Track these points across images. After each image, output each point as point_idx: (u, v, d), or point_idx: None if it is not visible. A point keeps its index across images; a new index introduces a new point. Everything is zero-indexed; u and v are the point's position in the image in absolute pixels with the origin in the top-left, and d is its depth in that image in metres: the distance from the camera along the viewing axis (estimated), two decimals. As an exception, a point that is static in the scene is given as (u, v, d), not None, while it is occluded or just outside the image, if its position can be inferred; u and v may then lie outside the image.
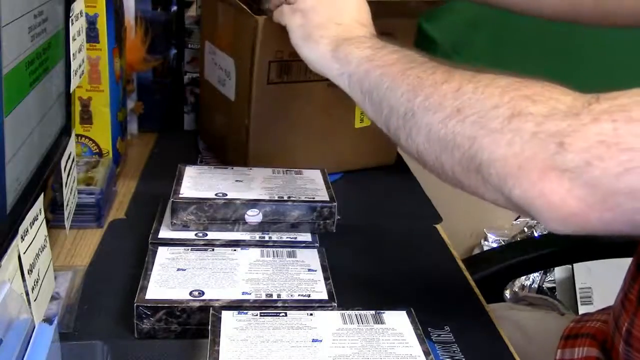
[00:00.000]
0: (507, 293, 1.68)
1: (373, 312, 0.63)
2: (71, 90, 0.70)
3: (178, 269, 0.70)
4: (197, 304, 0.64)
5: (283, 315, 0.62)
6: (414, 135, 0.58)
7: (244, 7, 0.89)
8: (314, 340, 0.58)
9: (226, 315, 0.61)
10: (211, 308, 0.63)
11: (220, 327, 0.59)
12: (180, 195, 0.79)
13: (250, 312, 0.62)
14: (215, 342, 0.58)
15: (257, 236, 0.79)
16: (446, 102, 0.55)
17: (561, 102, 0.50)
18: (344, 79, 0.68)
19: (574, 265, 1.63)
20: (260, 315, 0.62)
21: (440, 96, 0.56)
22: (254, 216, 0.79)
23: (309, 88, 0.95)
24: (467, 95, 0.54)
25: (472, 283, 0.79)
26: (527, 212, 0.50)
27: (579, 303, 1.61)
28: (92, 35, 0.88)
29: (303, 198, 0.81)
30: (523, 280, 1.70)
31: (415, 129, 0.57)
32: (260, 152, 0.96)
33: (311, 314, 0.62)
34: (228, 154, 1.03)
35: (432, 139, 0.55)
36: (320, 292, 0.68)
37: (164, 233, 0.78)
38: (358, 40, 0.68)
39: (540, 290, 1.71)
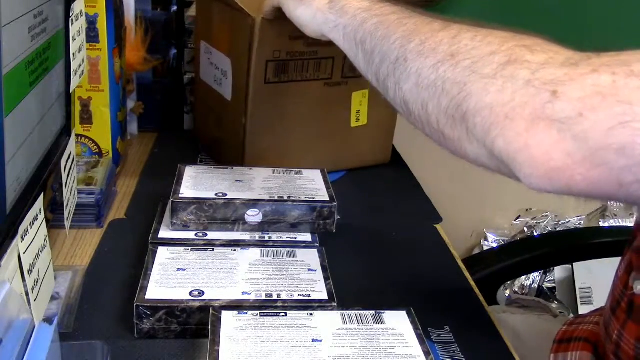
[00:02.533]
0: (507, 293, 1.68)
1: (373, 312, 0.63)
2: (71, 90, 0.70)
3: (178, 269, 0.70)
4: (197, 304, 0.64)
5: (283, 315, 0.62)
6: (402, 82, 0.56)
7: (242, 6, 0.89)
8: (314, 340, 0.58)
9: (226, 315, 0.61)
10: (211, 308, 0.63)
11: (220, 327, 0.59)
12: (180, 195, 0.79)
13: (250, 312, 0.62)
14: (215, 342, 0.58)
15: (257, 236, 0.79)
16: (441, 47, 0.53)
17: (560, 53, 0.48)
18: (339, 31, 0.67)
19: (574, 265, 1.63)
20: (260, 315, 0.62)
21: (436, 42, 0.54)
22: (254, 216, 0.79)
23: (305, 87, 0.95)
24: (464, 42, 0.52)
25: (472, 283, 0.79)
26: (508, 167, 0.48)
27: (579, 303, 1.61)
28: (92, 35, 0.89)
29: (303, 198, 0.81)
30: (523, 280, 1.70)
31: (405, 75, 0.56)
32: (256, 152, 0.96)
33: (311, 314, 0.62)
34: (224, 153, 1.03)
35: (421, 85, 0.54)
36: (320, 292, 0.68)
37: (164, 233, 0.78)
38: None
39: (540, 290, 1.71)
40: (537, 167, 0.45)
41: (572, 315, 1.28)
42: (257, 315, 0.62)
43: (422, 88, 0.54)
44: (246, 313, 0.62)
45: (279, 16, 0.81)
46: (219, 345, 0.57)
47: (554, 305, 1.62)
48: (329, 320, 0.61)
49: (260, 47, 0.89)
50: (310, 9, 0.71)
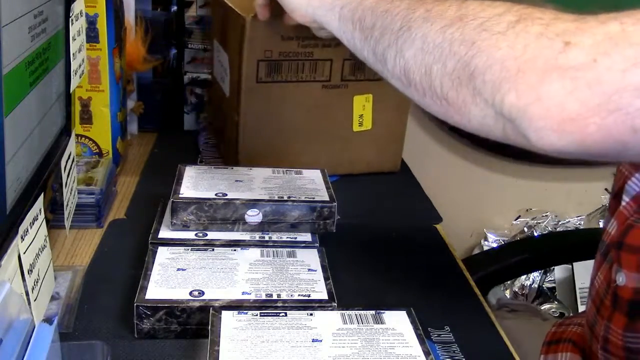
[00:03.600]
0: (507, 293, 1.68)
1: (373, 312, 0.63)
2: (71, 90, 0.70)
3: (178, 269, 0.70)
4: (197, 304, 0.64)
5: (283, 315, 0.62)
6: (405, 49, 0.55)
7: (232, 6, 0.90)
8: (314, 340, 0.58)
9: (226, 315, 0.61)
10: (211, 308, 0.63)
11: (220, 327, 0.59)
12: (180, 195, 0.79)
13: (250, 312, 0.62)
14: (215, 342, 0.58)
15: (257, 236, 0.79)
16: (448, 12, 0.53)
17: (568, 13, 0.48)
18: (334, 13, 0.66)
19: (574, 265, 1.62)
20: (260, 315, 0.62)
21: (443, 9, 0.53)
22: (254, 216, 0.79)
23: (302, 89, 0.95)
24: (472, 6, 0.52)
25: (472, 283, 0.79)
26: (517, 124, 0.47)
27: (578, 303, 1.61)
28: (92, 35, 0.89)
29: (303, 198, 0.81)
30: (523, 280, 1.70)
31: (408, 42, 0.55)
32: (251, 151, 0.96)
33: (311, 314, 0.62)
34: (224, 149, 1.04)
35: (426, 49, 0.53)
36: (320, 292, 0.68)
37: (164, 233, 0.78)
38: None
39: (540, 290, 1.71)
40: (550, 118, 0.45)
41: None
42: (257, 315, 0.62)
43: (427, 52, 0.53)
44: (246, 313, 0.62)
45: (273, 12, 0.81)
46: (219, 345, 0.57)
47: (549, 307, 1.63)
48: (329, 320, 0.61)
49: (250, 46, 0.90)
50: None
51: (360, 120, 1.01)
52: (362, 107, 1.00)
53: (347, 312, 0.63)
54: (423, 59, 0.53)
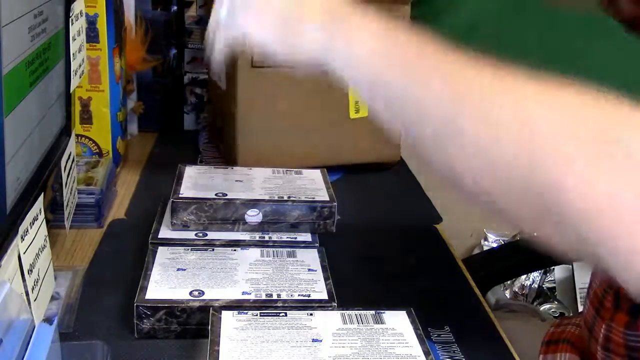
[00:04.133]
0: (507, 293, 1.69)
1: (373, 312, 0.63)
2: (71, 90, 0.70)
3: (178, 269, 0.70)
4: (197, 304, 0.64)
5: (283, 315, 0.62)
6: (457, 152, 0.45)
7: None
8: (314, 340, 0.58)
9: (226, 315, 0.61)
10: (211, 308, 0.63)
11: (220, 327, 0.59)
12: (180, 195, 0.79)
13: (250, 312, 0.62)
14: (215, 342, 0.57)
15: (257, 236, 0.79)
16: (505, 111, 0.42)
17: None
18: (345, 71, 0.53)
19: (574, 265, 1.63)
20: (260, 315, 0.62)
21: (498, 103, 0.43)
22: (254, 216, 0.79)
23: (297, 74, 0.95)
24: (537, 111, 0.41)
25: (472, 283, 0.79)
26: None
27: (578, 303, 1.61)
28: (92, 35, 0.89)
29: (303, 198, 0.81)
30: (523, 280, 1.70)
31: (458, 144, 0.45)
32: (248, 142, 0.95)
33: (311, 314, 0.62)
34: (223, 148, 1.04)
35: (490, 160, 0.42)
36: (320, 292, 0.68)
37: (164, 233, 0.78)
38: (354, 19, 0.52)
39: (540, 290, 1.71)
40: None
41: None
42: (257, 315, 0.62)
43: (489, 164, 0.43)
44: (246, 313, 0.62)
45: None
46: (219, 345, 0.57)
47: (548, 307, 1.63)
48: (329, 320, 0.61)
49: None
50: (296, 44, 0.55)
51: (357, 107, 1.00)
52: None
53: (347, 312, 0.63)
54: (488, 171, 0.43)
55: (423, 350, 0.58)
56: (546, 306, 1.65)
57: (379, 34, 0.51)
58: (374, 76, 0.51)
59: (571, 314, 1.55)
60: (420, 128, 0.48)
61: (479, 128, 0.43)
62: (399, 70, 0.49)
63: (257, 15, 0.58)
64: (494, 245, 1.74)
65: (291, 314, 0.62)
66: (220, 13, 0.62)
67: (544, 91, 0.42)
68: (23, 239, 0.50)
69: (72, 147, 0.72)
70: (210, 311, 0.62)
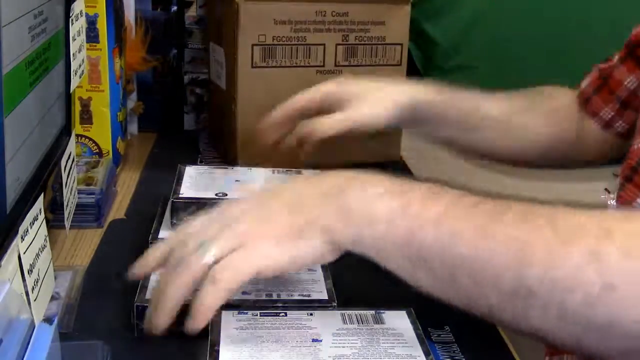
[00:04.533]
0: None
1: (373, 312, 0.63)
2: (71, 90, 0.70)
3: (178, 269, 0.70)
4: (197, 304, 0.64)
5: (283, 315, 0.62)
6: (531, 315, 0.44)
7: None
8: (314, 340, 0.58)
9: (226, 315, 0.61)
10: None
11: (220, 327, 0.59)
12: (180, 195, 0.79)
13: (250, 312, 0.62)
14: (215, 342, 0.57)
15: (257, 236, 0.79)
16: (584, 275, 0.41)
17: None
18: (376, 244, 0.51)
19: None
20: (260, 315, 0.62)
21: (571, 267, 0.41)
22: (254, 216, 0.79)
23: (297, 74, 0.96)
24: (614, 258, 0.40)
25: (472, 283, 0.79)
26: None
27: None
28: (92, 35, 0.89)
29: None
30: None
31: (536, 310, 0.44)
32: (249, 142, 0.95)
33: (311, 314, 0.62)
34: (223, 148, 1.04)
35: (569, 321, 0.42)
36: (320, 292, 0.68)
37: (164, 233, 0.78)
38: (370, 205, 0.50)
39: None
40: None
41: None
42: (257, 315, 0.62)
43: (573, 324, 0.43)
44: (246, 313, 0.62)
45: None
46: (219, 345, 0.57)
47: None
48: (329, 320, 0.61)
49: (244, 30, 0.91)
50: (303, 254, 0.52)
51: None
52: None
53: (347, 312, 0.63)
54: (565, 328, 0.44)
55: (423, 351, 0.58)
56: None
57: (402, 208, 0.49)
58: (416, 249, 0.49)
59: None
60: (488, 298, 0.47)
61: (566, 299, 0.42)
62: (447, 228, 0.47)
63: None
64: (494, 245, 1.73)
65: (291, 314, 0.62)
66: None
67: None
68: (23, 239, 0.50)
69: (72, 147, 0.72)
70: (210, 311, 0.62)
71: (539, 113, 0.89)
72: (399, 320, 0.62)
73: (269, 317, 0.61)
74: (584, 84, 0.88)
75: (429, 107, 0.83)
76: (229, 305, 0.64)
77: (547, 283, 0.42)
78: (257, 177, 0.86)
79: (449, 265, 0.47)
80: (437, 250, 0.47)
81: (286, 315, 0.62)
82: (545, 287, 0.42)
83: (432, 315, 0.69)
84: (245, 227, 0.52)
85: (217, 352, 0.56)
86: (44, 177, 0.60)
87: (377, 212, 0.50)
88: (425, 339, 0.60)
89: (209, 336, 0.58)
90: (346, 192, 0.51)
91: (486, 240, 0.45)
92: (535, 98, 0.90)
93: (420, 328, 0.61)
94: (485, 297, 0.47)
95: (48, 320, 0.51)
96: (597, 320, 0.41)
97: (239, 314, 0.61)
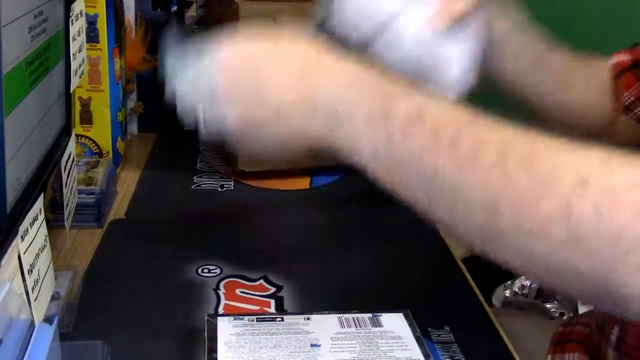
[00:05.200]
0: (507, 293, 1.68)
1: (370, 314, 0.63)
2: (71, 90, 0.70)
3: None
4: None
5: (280, 320, 0.61)
6: (504, 253, 0.45)
7: None
8: (312, 345, 0.58)
9: (222, 322, 0.61)
10: (206, 314, 0.62)
11: (216, 334, 0.59)
12: None
13: (246, 318, 0.61)
14: (213, 349, 0.57)
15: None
16: (553, 227, 0.41)
17: None
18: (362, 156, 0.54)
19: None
20: (257, 321, 0.61)
21: (541, 218, 0.41)
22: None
23: None
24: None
25: (472, 283, 0.79)
26: None
27: (578, 303, 1.60)
28: (92, 35, 0.89)
29: None
30: (523, 280, 1.70)
31: (506, 249, 0.45)
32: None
33: (308, 318, 0.62)
34: (222, 147, 1.04)
35: (539, 265, 0.43)
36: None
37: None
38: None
39: (540, 290, 1.71)
40: None
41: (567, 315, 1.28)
42: (253, 320, 0.61)
43: (538, 267, 0.44)
44: (242, 319, 0.61)
45: None
46: (216, 353, 0.56)
47: (549, 306, 1.62)
48: (326, 324, 0.61)
49: (244, 28, 0.91)
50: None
51: None
52: None
53: (345, 315, 0.62)
54: (539, 269, 0.44)
55: (423, 353, 0.58)
56: (547, 305, 1.65)
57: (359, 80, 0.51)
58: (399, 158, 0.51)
59: (571, 314, 1.55)
60: (467, 221, 0.47)
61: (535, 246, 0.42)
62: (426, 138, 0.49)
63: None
64: (494, 245, 1.73)
65: (288, 318, 0.62)
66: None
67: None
68: (23, 239, 0.50)
69: (72, 147, 0.72)
70: (206, 318, 0.61)
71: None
72: (396, 323, 0.62)
73: (266, 322, 0.61)
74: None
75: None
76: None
77: (516, 231, 0.43)
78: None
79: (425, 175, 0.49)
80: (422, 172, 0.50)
81: (283, 320, 0.61)
82: (514, 233, 0.43)
83: (432, 315, 0.69)
84: None
85: (215, 359, 0.56)
86: (44, 177, 0.60)
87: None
88: (424, 340, 0.60)
89: (206, 343, 0.58)
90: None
91: (463, 174, 0.46)
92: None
93: (418, 330, 0.61)
94: (455, 226, 0.49)
95: (48, 320, 0.51)
96: (561, 268, 0.41)
97: (235, 319, 0.61)
